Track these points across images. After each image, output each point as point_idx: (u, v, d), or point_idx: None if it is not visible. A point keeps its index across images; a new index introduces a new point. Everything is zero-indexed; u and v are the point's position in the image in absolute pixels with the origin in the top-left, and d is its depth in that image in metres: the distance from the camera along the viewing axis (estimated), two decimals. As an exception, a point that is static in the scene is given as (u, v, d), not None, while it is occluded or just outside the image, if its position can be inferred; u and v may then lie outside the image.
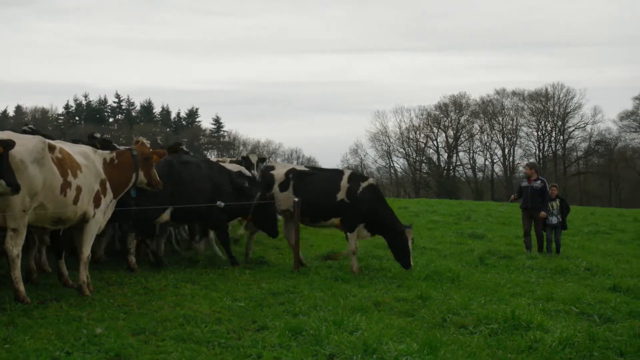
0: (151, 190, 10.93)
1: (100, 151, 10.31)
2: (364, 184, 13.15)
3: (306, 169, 14.19)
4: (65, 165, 9.23)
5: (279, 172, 13.73)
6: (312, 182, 13.45)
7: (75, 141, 11.55)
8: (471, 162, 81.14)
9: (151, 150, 10.86)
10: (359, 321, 8.49)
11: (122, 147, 11.22)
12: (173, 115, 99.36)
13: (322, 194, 13.23)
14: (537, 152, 77.94)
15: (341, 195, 13.09)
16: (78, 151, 9.84)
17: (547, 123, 78.02)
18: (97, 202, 9.86)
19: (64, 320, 8.19)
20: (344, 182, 13.17)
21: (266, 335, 7.87)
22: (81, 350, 7.02)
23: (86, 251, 9.89)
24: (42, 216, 9.10)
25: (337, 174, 13.57)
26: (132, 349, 7.09)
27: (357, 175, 13.71)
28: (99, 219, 10.04)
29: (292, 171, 13.68)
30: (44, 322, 8.07)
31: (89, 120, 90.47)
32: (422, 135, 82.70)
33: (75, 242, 10.23)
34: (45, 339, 7.33)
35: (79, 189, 9.40)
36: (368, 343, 7.42)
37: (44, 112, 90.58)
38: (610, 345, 7.84)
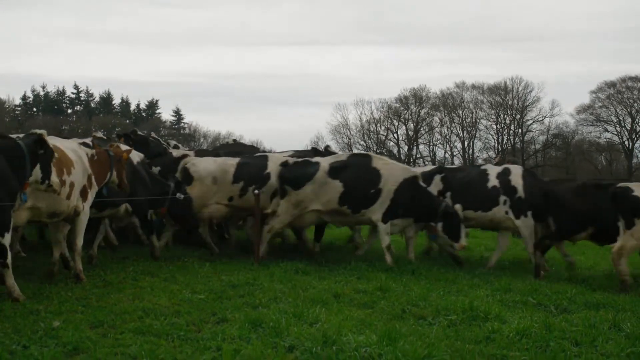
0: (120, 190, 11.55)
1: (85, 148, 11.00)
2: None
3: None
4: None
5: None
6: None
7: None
8: (431, 154, 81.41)
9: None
10: (318, 313, 8.51)
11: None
12: (133, 106, 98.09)
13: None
14: (496, 145, 78.48)
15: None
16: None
17: (506, 116, 78.53)
18: (84, 197, 10.47)
19: (20, 313, 8.10)
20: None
21: (226, 327, 7.86)
22: (38, 344, 6.95)
23: (79, 242, 10.55)
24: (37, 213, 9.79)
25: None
26: (90, 342, 7.03)
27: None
28: (87, 213, 10.65)
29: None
30: (0, 315, 7.98)
31: (47, 112, 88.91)
32: (383, 127, 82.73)
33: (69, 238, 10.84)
34: (1, 332, 7.26)
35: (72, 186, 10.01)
36: (328, 335, 7.44)
37: (0, 103, 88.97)
38: (566, 336, 7.94)
